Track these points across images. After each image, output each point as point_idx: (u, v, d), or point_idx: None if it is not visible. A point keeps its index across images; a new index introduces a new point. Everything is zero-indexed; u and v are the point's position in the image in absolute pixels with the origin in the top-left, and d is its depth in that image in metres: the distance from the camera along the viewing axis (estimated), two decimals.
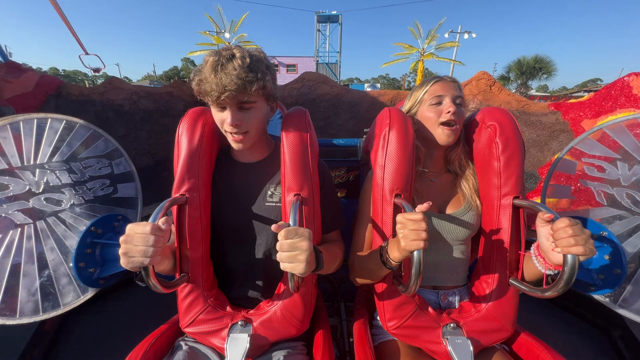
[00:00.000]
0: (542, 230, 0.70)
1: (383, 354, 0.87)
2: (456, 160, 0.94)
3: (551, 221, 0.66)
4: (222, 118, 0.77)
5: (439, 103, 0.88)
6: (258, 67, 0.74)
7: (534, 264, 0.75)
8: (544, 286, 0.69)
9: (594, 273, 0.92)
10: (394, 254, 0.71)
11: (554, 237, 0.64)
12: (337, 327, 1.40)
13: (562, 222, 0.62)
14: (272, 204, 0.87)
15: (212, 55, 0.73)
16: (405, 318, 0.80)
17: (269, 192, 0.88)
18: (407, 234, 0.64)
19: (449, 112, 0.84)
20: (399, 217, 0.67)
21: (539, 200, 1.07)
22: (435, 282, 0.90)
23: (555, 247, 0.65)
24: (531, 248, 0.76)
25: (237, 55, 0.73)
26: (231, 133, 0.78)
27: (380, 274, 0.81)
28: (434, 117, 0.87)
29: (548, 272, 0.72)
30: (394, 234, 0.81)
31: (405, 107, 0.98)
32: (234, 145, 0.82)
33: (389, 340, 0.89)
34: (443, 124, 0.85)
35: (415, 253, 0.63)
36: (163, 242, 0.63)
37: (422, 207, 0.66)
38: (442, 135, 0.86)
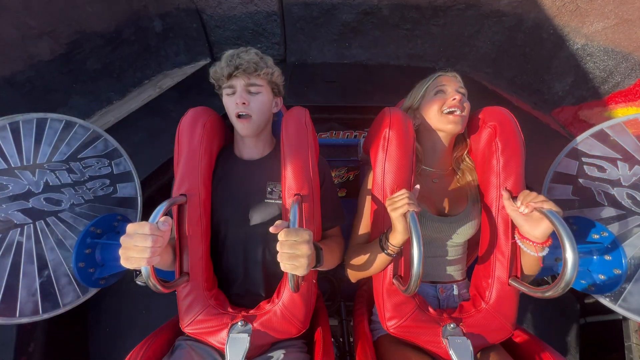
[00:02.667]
0: (512, 213, 0.75)
1: (382, 348, 0.87)
2: (461, 159, 0.94)
3: (513, 198, 0.74)
4: (231, 100, 0.87)
5: (443, 92, 0.88)
6: (268, 61, 0.91)
7: (528, 254, 0.75)
8: (547, 286, 0.70)
9: (594, 273, 0.92)
10: (395, 239, 0.74)
11: (525, 202, 0.70)
12: (337, 327, 1.40)
13: (522, 193, 0.73)
14: (271, 201, 0.88)
15: (229, 50, 0.89)
16: (404, 318, 0.80)
17: (269, 189, 0.88)
18: (393, 203, 0.71)
19: (454, 99, 0.83)
20: (387, 200, 0.75)
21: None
22: (433, 277, 0.91)
23: (529, 211, 0.71)
24: (515, 235, 0.78)
25: (252, 51, 0.89)
26: (238, 115, 0.86)
27: (376, 265, 0.80)
28: (439, 106, 0.86)
29: (540, 254, 0.73)
30: None
31: (406, 104, 0.99)
32: (240, 127, 0.87)
33: (388, 334, 0.89)
34: (449, 112, 0.84)
35: (415, 249, 0.63)
36: (163, 242, 0.63)
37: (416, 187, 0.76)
38: (448, 123, 0.84)
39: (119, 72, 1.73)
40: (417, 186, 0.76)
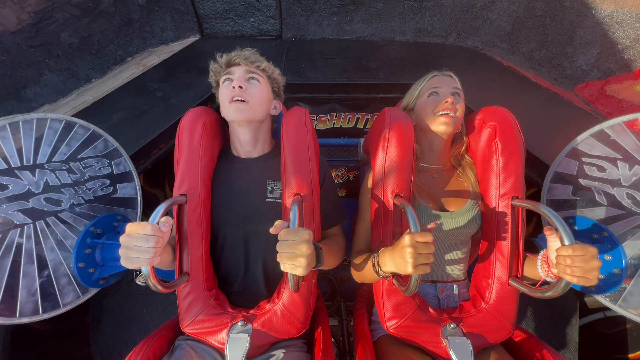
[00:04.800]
0: (552, 244, 0.70)
1: (382, 349, 0.87)
2: (460, 156, 0.95)
3: (556, 232, 0.65)
4: (228, 87, 0.85)
5: (436, 94, 0.89)
6: (270, 63, 0.92)
7: (537, 268, 0.75)
8: (536, 286, 0.71)
9: None
10: (387, 267, 0.70)
11: (556, 257, 0.64)
12: (337, 327, 1.40)
13: (566, 251, 0.61)
14: (272, 200, 0.88)
15: None
16: (404, 318, 0.80)
17: (269, 188, 0.88)
18: (419, 258, 0.61)
19: (446, 102, 0.84)
20: (408, 240, 0.63)
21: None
22: (434, 277, 0.91)
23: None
24: (540, 254, 0.76)
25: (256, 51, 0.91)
26: (233, 99, 0.82)
27: (373, 278, 0.81)
28: (432, 108, 0.87)
29: (547, 279, 0.73)
30: (394, 236, 0.81)
31: (403, 104, 0.99)
32: (233, 110, 0.82)
33: (388, 334, 0.89)
34: (441, 114, 0.85)
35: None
36: (163, 243, 0.63)
37: (431, 226, 0.67)
38: (440, 124, 0.85)
39: (99, 47, 1.58)
40: (431, 225, 0.69)
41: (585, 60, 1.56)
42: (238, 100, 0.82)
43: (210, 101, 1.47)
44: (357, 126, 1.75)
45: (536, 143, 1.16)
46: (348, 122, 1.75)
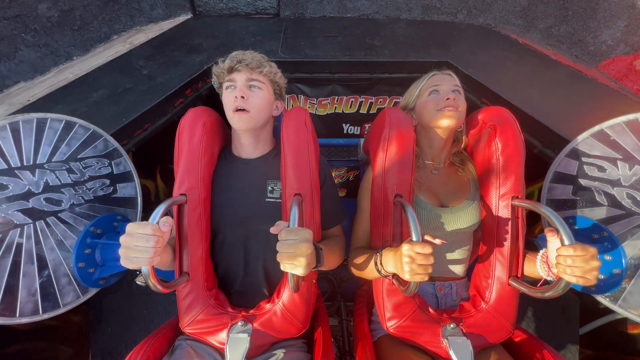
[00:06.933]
0: (552, 245, 0.70)
1: (382, 349, 0.87)
2: (459, 154, 0.95)
3: (556, 232, 0.65)
4: (231, 95, 0.85)
5: (437, 92, 0.89)
6: (272, 64, 0.92)
7: (537, 268, 0.75)
8: (537, 286, 0.71)
9: None
10: (389, 268, 0.72)
11: (556, 257, 0.64)
12: (337, 327, 1.40)
13: (567, 250, 0.61)
14: (272, 200, 0.88)
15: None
16: (404, 318, 0.80)
17: (269, 188, 0.88)
18: (415, 268, 0.63)
19: (448, 99, 0.84)
20: (406, 250, 0.64)
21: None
22: (433, 274, 0.90)
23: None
24: (539, 254, 0.76)
25: (258, 53, 0.91)
26: (236, 109, 0.83)
27: (373, 275, 0.82)
28: (433, 105, 0.87)
29: (548, 278, 0.73)
30: (395, 237, 0.81)
31: (402, 104, 0.99)
32: (236, 120, 0.85)
33: (388, 334, 0.89)
34: (445, 108, 0.85)
35: None
36: (163, 242, 0.63)
37: (430, 238, 0.67)
38: (444, 118, 0.84)
39: (81, 23, 1.48)
40: (437, 241, 0.69)
41: (610, 34, 1.48)
42: (240, 110, 0.84)
43: (201, 80, 1.40)
44: (360, 111, 1.66)
45: (559, 121, 1.11)
46: (350, 107, 1.65)
